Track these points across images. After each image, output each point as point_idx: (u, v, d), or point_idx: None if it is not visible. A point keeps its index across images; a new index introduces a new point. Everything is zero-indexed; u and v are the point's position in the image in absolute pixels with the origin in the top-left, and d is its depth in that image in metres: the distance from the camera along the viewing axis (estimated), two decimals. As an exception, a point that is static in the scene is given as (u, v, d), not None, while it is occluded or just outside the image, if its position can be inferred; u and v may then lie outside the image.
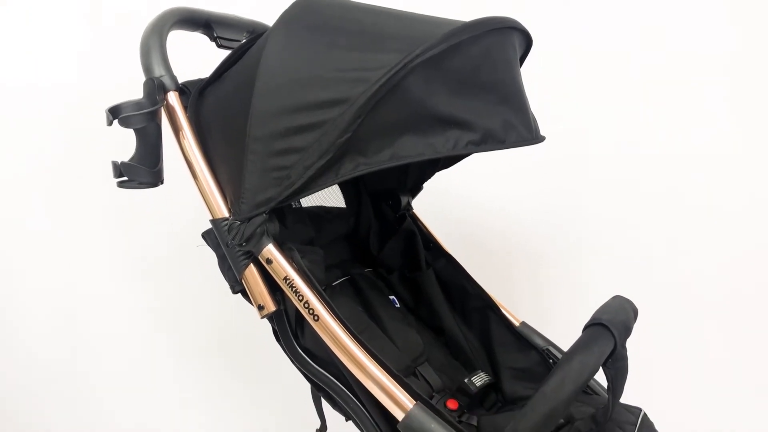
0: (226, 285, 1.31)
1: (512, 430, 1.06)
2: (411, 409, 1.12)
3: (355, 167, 1.13)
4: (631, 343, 1.24)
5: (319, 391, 1.33)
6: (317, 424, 1.50)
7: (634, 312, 1.26)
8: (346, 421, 1.43)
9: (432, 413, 1.12)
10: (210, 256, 1.32)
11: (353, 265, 1.63)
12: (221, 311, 2.12)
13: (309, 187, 1.15)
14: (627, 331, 1.19)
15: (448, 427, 1.10)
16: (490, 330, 1.59)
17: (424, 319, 1.63)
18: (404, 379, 1.15)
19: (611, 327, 1.13)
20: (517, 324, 1.59)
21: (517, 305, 1.65)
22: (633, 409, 1.41)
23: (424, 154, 1.13)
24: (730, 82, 2.17)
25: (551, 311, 1.99)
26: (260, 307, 1.26)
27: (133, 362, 2.28)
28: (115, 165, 1.28)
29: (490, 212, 2.23)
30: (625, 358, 1.22)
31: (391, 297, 1.62)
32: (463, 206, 2.20)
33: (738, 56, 2.15)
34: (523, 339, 1.56)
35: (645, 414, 1.40)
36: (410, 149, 1.12)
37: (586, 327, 1.16)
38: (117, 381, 2.28)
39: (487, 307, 1.60)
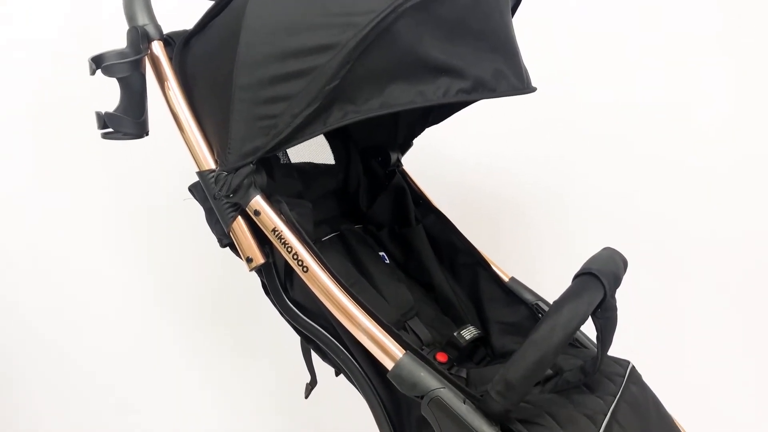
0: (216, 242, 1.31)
1: (502, 378, 1.06)
2: (400, 358, 1.12)
3: (343, 115, 1.12)
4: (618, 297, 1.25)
5: (308, 344, 1.33)
6: (308, 378, 1.49)
7: (624, 263, 1.26)
8: (336, 376, 1.44)
9: (421, 362, 1.12)
10: (200, 211, 1.31)
11: (342, 221, 1.62)
12: (212, 269, 2.12)
13: (297, 137, 1.13)
14: (617, 281, 1.19)
15: (437, 375, 1.11)
16: (479, 285, 1.59)
17: (414, 275, 1.63)
18: (393, 329, 1.15)
19: (601, 276, 1.13)
20: (506, 279, 1.59)
21: (507, 261, 1.65)
22: (621, 361, 1.42)
23: (414, 102, 1.11)
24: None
25: (541, 267, 1.99)
26: (249, 260, 1.25)
27: (123, 316, 2.27)
28: (98, 115, 1.25)
29: (480, 170, 2.22)
30: (614, 309, 1.22)
31: (381, 253, 1.62)
32: (453, 164, 2.19)
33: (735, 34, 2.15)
34: (512, 294, 1.57)
35: (633, 366, 1.41)
36: (400, 97, 1.10)
37: (576, 276, 1.16)
38: (106, 342, 2.27)
39: (477, 263, 1.60)
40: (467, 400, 1.09)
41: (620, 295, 1.26)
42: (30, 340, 2.22)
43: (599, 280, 1.13)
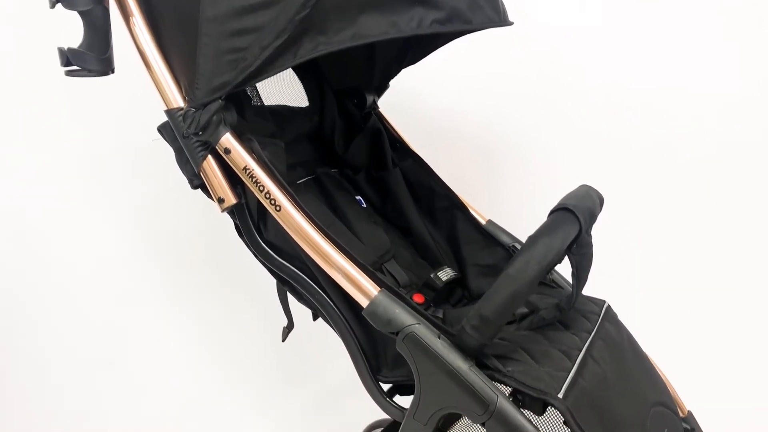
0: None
1: (476, 313, 1.06)
2: (375, 296, 1.11)
3: (314, 47, 1.08)
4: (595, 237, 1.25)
5: (284, 285, 1.31)
6: (285, 322, 1.49)
7: (600, 200, 1.25)
8: (314, 320, 1.43)
9: (396, 299, 1.11)
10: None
11: (318, 165, 1.59)
12: (189, 216, 2.10)
13: (266, 70, 1.10)
14: (592, 217, 1.19)
15: (412, 312, 1.10)
16: (456, 229, 1.58)
17: (391, 219, 1.61)
18: (368, 267, 1.14)
19: (576, 212, 1.13)
20: (483, 222, 1.59)
21: (485, 205, 1.64)
22: (597, 300, 1.43)
23: (387, 33, 1.08)
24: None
25: (518, 210, 1.98)
26: (220, 201, 1.22)
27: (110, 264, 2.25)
28: (61, 52, 1.21)
29: (460, 115, 2.20)
30: (589, 245, 1.22)
31: (357, 197, 1.60)
32: (431, 109, 2.16)
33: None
34: (489, 236, 1.56)
35: (609, 305, 1.42)
36: (373, 28, 1.07)
37: (552, 212, 1.15)
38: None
39: (454, 206, 1.59)
40: (442, 335, 1.09)
41: (596, 233, 1.27)
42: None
43: (575, 216, 1.12)
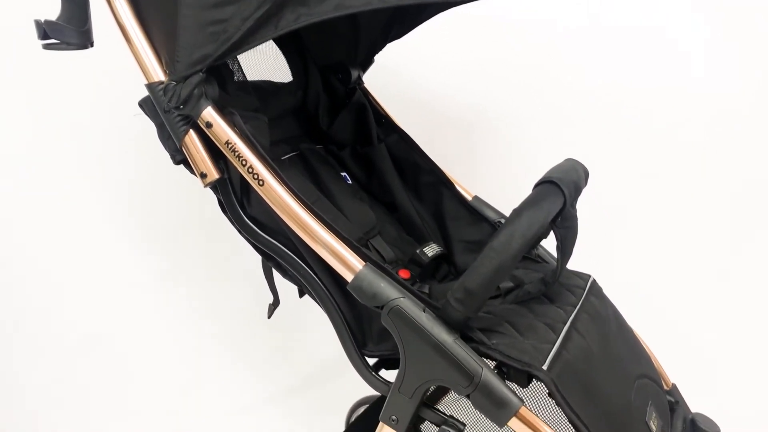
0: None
1: (461, 286, 1.06)
2: (360, 270, 1.11)
3: (296, 18, 1.07)
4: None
5: (269, 261, 1.30)
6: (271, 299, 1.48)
7: (585, 174, 1.25)
8: (300, 296, 1.43)
9: (381, 273, 1.11)
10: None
11: (302, 141, 1.57)
12: (177, 192, 2.08)
13: (247, 41, 1.09)
14: (577, 190, 1.19)
15: (397, 285, 1.10)
16: (442, 205, 1.58)
17: (377, 195, 1.60)
18: (353, 241, 1.13)
19: (561, 185, 1.13)
20: (469, 198, 1.58)
21: (470, 182, 1.63)
22: (582, 274, 1.44)
23: (370, 4, 1.07)
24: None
25: (504, 186, 1.98)
26: (203, 176, 1.21)
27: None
28: (38, 24, 1.18)
29: (445, 91, 2.19)
30: (574, 218, 1.22)
31: (343, 173, 1.59)
32: (417, 86, 2.15)
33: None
34: (475, 212, 1.56)
35: (594, 280, 1.43)
36: None
37: (536, 185, 1.15)
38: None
39: (440, 182, 1.59)
40: (427, 309, 1.08)
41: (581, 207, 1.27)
42: None
43: (559, 189, 1.12)
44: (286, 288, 1.41)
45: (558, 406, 1.06)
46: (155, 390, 2.15)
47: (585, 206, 1.30)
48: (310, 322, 1.81)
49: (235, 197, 1.23)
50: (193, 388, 2.17)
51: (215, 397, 2.14)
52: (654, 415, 1.24)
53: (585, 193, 1.30)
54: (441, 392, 1.54)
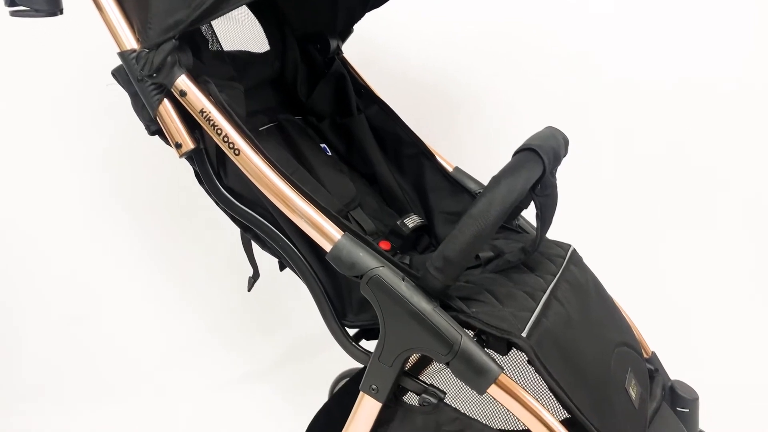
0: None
1: (440, 254, 1.05)
2: (339, 240, 1.10)
3: None
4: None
5: (247, 233, 1.29)
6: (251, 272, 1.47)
7: (565, 141, 1.25)
8: (281, 270, 1.42)
9: (360, 243, 1.10)
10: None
11: (280, 112, 1.55)
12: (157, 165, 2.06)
13: (221, 7, 1.06)
14: (557, 158, 1.18)
15: (376, 255, 1.09)
16: (423, 176, 1.57)
17: (357, 167, 1.59)
18: (331, 210, 1.12)
19: (540, 152, 1.12)
20: (450, 170, 1.57)
21: (451, 152, 1.62)
22: (563, 244, 1.44)
23: None
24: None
25: (485, 157, 1.98)
26: (178, 146, 1.19)
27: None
28: (4, -11, 1.15)
29: (425, 64, 2.17)
30: (554, 187, 1.22)
31: (322, 145, 1.57)
32: (397, 56, 2.13)
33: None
34: (456, 183, 1.55)
35: (574, 249, 1.43)
36: None
37: (516, 153, 1.14)
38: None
39: (421, 153, 1.57)
40: (406, 278, 1.08)
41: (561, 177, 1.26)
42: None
43: (538, 156, 1.11)
44: (268, 261, 1.40)
45: (537, 373, 1.07)
46: (135, 367, 2.14)
47: (565, 177, 1.30)
48: (291, 296, 1.80)
49: (211, 168, 1.22)
50: (173, 364, 2.15)
51: (196, 373, 2.13)
52: (633, 381, 1.25)
53: (565, 163, 1.30)
54: (423, 363, 1.54)
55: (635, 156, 2.28)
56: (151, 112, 1.18)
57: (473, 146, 2.17)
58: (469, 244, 1.04)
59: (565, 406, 1.08)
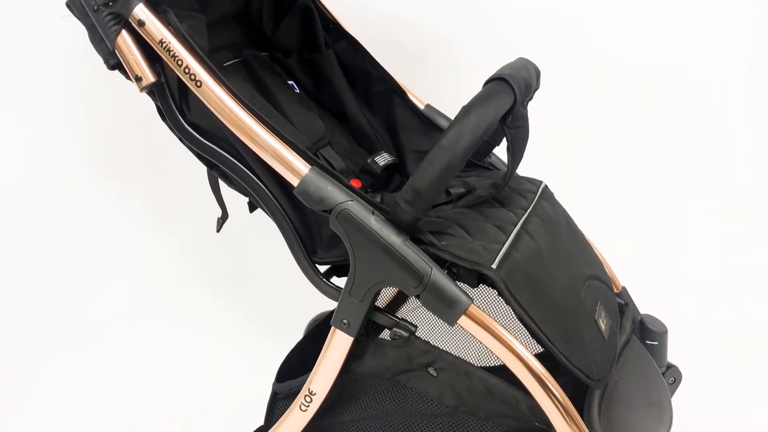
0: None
1: (410, 186, 1.04)
2: (306, 174, 1.08)
3: None
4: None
5: (213, 170, 1.26)
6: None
7: (537, 73, 1.22)
8: (251, 211, 1.39)
9: (328, 176, 1.08)
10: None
11: (246, 47, 1.50)
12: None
13: None
14: (528, 88, 1.16)
15: (345, 189, 1.07)
16: (394, 114, 1.54)
17: (326, 105, 1.55)
18: (298, 144, 1.09)
19: (511, 81, 1.09)
20: (422, 107, 1.55)
21: (424, 89, 1.59)
22: (534, 180, 1.43)
23: None
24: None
25: (458, 93, 1.96)
26: (138, 79, 1.14)
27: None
28: None
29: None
30: (525, 119, 1.20)
31: (290, 82, 1.53)
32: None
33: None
34: (428, 121, 1.53)
35: (546, 185, 1.42)
36: None
37: (486, 83, 1.11)
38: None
39: (391, 90, 1.54)
40: (375, 211, 1.06)
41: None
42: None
43: (509, 85, 1.09)
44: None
45: (507, 304, 1.07)
46: (107, 314, 2.12)
47: (538, 117, 1.28)
48: (263, 239, 1.78)
49: (174, 102, 1.18)
50: (145, 312, 2.14)
51: (169, 322, 2.12)
52: (603, 314, 1.26)
53: (538, 106, 1.28)
54: (397, 302, 1.54)
55: (609, 100, 2.27)
56: (108, 45, 1.13)
57: (444, 86, 2.14)
58: (440, 175, 1.02)
59: (534, 337, 1.08)
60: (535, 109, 1.24)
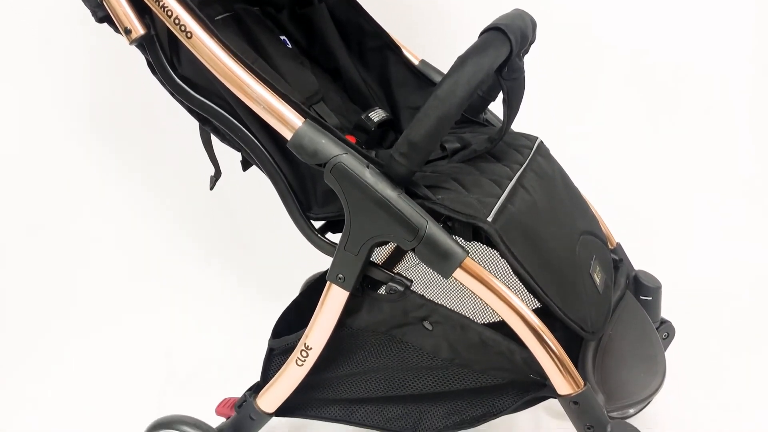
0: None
1: (405, 139, 1.03)
2: (300, 126, 1.06)
3: None
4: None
5: (205, 125, 1.24)
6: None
7: (533, 24, 1.20)
8: (244, 170, 1.38)
9: (322, 129, 1.07)
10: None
11: (237, 1, 1.47)
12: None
13: None
14: (524, 38, 1.14)
15: (340, 142, 1.06)
16: (388, 70, 1.52)
17: (319, 61, 1.53)
18: (291, 98, 1.08)
19: (507, 31, 1.08)
20: (416, 62, 1.53)
21: (418, 45, 1.57)
22: (530, 136, 1.42)
23: None
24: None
25: (453, 49, 1.94)
26: (127, 32, 1.12)
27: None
28: None
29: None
30: (521, 71, 1.19)
31: (282, 37, 1.50)
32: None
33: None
34: (422, 77, 1.51)
35: (541, 141, 1.41)
36: None
37: (482, 33, 1.09)
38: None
39: (385, 46, 1.52)
40: (370, 165, 1.05)
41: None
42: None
43: (505, 35, 1.07)
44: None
45: (502, 257, 1.07)
46: (95, 278, 2.12)
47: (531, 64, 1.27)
48: (257, 200, 1.76)
49: (164, 56, 1.16)
50: (140, 274, 2.14)
51: (164, 283, 2.12)
52: (598, 268, 1.26)
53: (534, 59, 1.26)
54: (394, 260, 1.54)
55: (604, 53, 2.24)
56: (96, -5, 1.11)
57: (438, 41, 2.11)
58: (435, 126, 1.01)
59: (529, 289, 1.08)
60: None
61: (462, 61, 1.03)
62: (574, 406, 1.06)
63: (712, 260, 2.10)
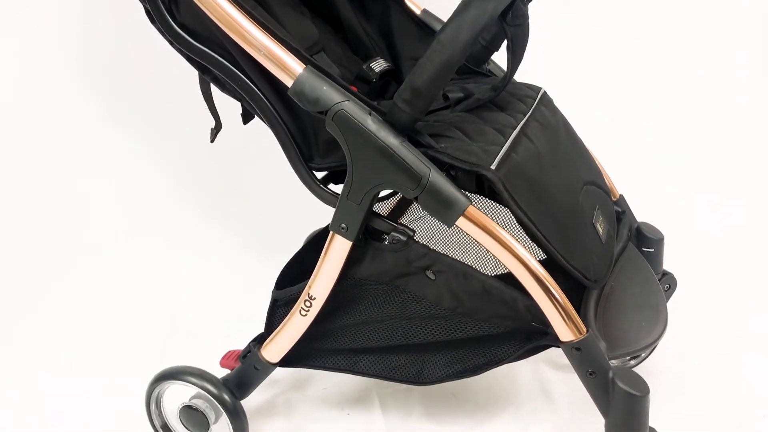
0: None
1: (408, 85, 1.02)
2: (300, 73, 1.05)
3: None
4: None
5: (205, 75, 1.23)
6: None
7: (538, -30, 1.18)
8: (245, 123, 1.37)
9: (323, 76, 1.05)
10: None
11: (235, -52, 1.44)
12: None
13: None
14: (528, -17, 1.12)
15: (341, 89, 1.05)
16: (389, 20, 1.49)
17: (320, 11, 1.50)
18: (292, 44, 1.06)
19: (512, -25, 1.05)
20: (418, 12, 1.50)
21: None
22: (533, 86, 1.40)
23: None
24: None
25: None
26: (123, -22, 1.10)
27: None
28: None
29: None
30: (525, 17, 1.17)
31: (281, -13, 1.47)
32: None
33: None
34: (425, 27, 1.48)
35: (545, 91, 1.39)
36: None
37: (486, -23, 1.07)
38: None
39: (387, -6, 1.49)
40: (372, 112, 1.04)
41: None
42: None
43: (510, -21, 1.05)
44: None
45: (505, 205, 1.06)
46: (97, 233, 2.12)
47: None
48: (259, 154, 1.75)
49: (162, 3, 1.14)
50: (141, 228, 2.14)
51: (166, 238, 2.12)
52: (601, 218, 1.26)
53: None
54: (396, 213, 1.54)
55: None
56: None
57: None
58: (439, 72, 0.99)
59: (532, 237, 1.08)
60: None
61: (465, 5, 1.01)
62: (576, 352, 1.06)
63: (715, 213, 2.10)
